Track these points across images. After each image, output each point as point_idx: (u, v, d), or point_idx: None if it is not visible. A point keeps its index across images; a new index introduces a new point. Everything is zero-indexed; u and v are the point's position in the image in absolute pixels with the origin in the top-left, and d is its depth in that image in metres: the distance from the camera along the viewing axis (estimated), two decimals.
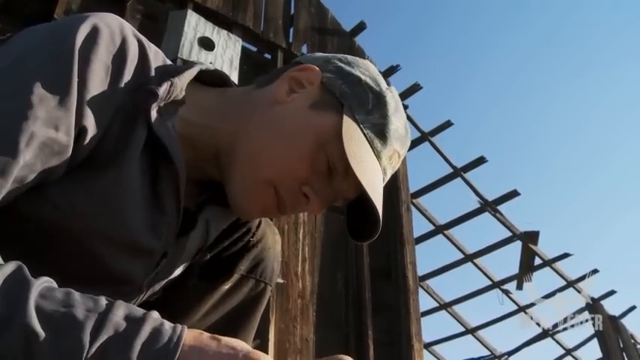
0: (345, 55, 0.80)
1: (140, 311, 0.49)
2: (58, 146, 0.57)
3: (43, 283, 0.48)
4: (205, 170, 0.76)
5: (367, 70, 0.78)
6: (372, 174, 0.71)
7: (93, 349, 0.44)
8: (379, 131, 0.73)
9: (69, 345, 0.44)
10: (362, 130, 0.72)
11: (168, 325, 0.48)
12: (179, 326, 0.49)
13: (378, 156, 0.73)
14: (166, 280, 0.81)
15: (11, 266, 0.48)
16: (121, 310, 0.48)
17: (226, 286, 0.90)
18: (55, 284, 0.50)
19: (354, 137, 0.70)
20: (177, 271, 0.82)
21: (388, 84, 0.79)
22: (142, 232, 0.66)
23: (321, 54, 0.81)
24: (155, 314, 0.49)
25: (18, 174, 0.54)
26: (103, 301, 0.49)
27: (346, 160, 0.68)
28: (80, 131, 0.59)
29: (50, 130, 0.56)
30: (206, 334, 0.50)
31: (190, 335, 0.49)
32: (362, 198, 0.73)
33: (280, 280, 3.53)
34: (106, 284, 0.68)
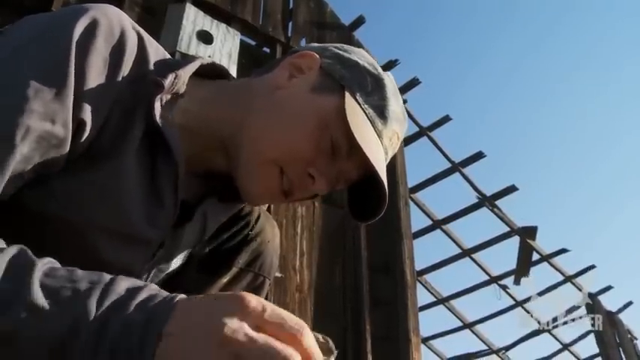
0: (342, 44, 0.83)
1: (141, 282, 0.50)
2: (55, 139, 0.57)
3: (47, 263, 0.49)
4: (212, 161, 0.77)
5: (364, 57, 0.80)
6: (375, 151, 0.72)
7: (97, 314, 0.45)
8: (380, 112, 0.75)
9: (75, 314, 0.45)
10: (363, 110, 0.73)
11: (165, 292, 0.49)
12: (177, 294, 0.49)
13: (379, 135, 0.75)
14: (165, 274, 0.81)
15: (15, 248, 0.49)
16: (123, 281, 0.49)
17: (225, 280, 0.90)
18: (58, 264, 0.51)
19: (357, 116, 0.71)
20: (175, 264, 0.82)
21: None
22: (139, 223, 0.66)
23: (317, 44, 0.83)
24: (154, 285, 0.50)
25: (16, 167, 0.54)
26: (106, 275, 0.50)
27: (351, 138, 0.69)
28: (79, 124, 0.59)
29: (46, 124, 0.56)
30: (200, 296, 0.49)
31: (184, 296, 0.48)
32: (366, 177, 0.75)
33: (278, 274, 3.54)
34: None
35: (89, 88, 0.59)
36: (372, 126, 0.74)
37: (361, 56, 0.79)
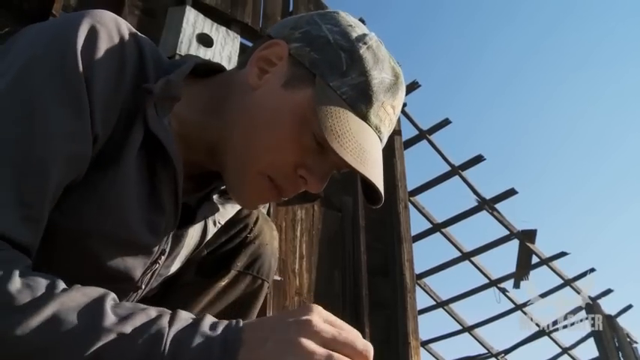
0: (312, 14, 0.75)
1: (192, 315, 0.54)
2: (80, 158, 0.59)
3: (112, 297, 0.52)
4: (203, 165, 0.76)
5: (336, 25, 0.71)
6: (359, 142, 0.66)
7: (172, 334, 0.49)
8: (360, 91, 0.68)
9: (152, 335, 0.49)
10: (340, 96, 0.67)
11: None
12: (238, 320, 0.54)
13: (364, 117, 0.68)
14: (164, 277, 0.81)
15: (78, 285, 0.52)
16: (184, 312, 0.53)
17: (223, 283, 0.90)
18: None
19: (330, 109, 0.65)
20: (175, 268, 0.82)
21: (366, 31, 0.73)
22: (140, 231, 0.66)
23: (290, 18, 0.76)
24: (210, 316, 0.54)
25: (51, 196, 0.56)
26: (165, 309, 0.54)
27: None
28: (95, 139, 0.60)
29: (71, 146, 0.57)
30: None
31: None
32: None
33: (277, 278, 3.53)
34: (105, 282, 0.68)
35: (99, 102, 0.59)
36: (354, 110, 0.67)
37: (333, 25, 0.71)
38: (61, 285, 0.51)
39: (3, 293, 0.47)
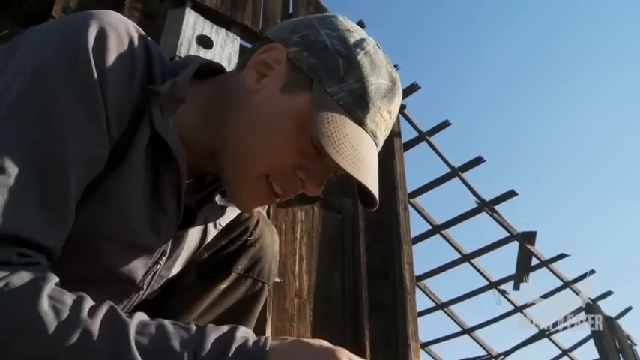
0: (311, 18, 0.74)
1: (226, 328, 0.54)
2: (97, 160, 0.59)
3: (137, 318, 0.51)
4: (203, 167, 0.76)
5: (335, 30, 0.71)
6: (355, 148, 0.66)
7: None
8: (357, 97, 0.68)
9: None
10: (337, 101, 0.67)
11: (252, 336, 0.54)
12: (263, 336, 0.53)
13: (361, 123, 0.69)
14: (165, 279, 0.81)
15: (105, 306, 0.51)
16: (212, 333, 0.52)
17: (223, 285, 0.90)
18: (146, 317, 0.53)
19: (327, 115, 0.66)
20: (176, 270, 0.82)
21: (365, 36, 0.73)
22: (142, 231, 0.66)
23: (289, 22, 0.76)
24: (241, 329, 0.54)
25: (72, 199, 0.57)
26: (193, 327, 0.53)
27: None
28: (110, 141, 0.60)
29: (89, 148, 0.57)
30: (288, 342, 0.54)
31: (272, 342, 0.53)
32: None
33: (277, 279, 3.53)
34: (107, 283, 0.68)
35: (113, 104, 0.59)
36: (351, 116, 0.68)
37: (332, 30, 0.71)
38: (87, 306, 0.50)
39: (30, 314, 0.47)
